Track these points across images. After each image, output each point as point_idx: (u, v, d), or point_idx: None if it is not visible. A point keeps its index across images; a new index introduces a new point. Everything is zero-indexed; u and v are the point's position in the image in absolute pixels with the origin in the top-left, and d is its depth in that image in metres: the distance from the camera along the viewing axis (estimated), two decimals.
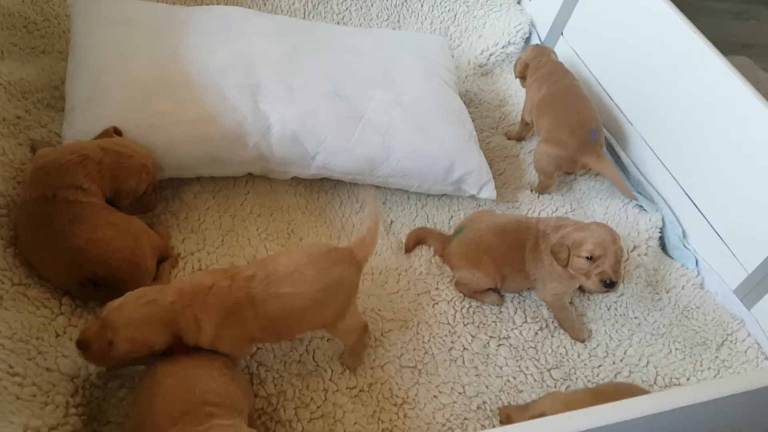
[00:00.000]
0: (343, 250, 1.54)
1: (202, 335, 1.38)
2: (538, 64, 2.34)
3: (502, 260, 1.85)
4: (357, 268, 1.54)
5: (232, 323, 1.39)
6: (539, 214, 2.19)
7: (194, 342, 1.38)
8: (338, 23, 2.67)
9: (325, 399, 1.59)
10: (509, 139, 2.44)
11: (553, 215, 2.18)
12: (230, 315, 1.39)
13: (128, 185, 1.67)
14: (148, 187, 1.72)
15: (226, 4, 2.47)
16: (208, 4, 2.48)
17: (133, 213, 1.74)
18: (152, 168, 1.74)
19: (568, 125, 2.14)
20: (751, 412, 1.23)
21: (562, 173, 2.29)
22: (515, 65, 2.47)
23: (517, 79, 2.48)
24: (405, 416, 1.61)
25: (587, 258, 1.69)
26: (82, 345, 1.33)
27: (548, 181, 2.25)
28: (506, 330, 1.86)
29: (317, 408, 1.57)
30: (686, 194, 2.14)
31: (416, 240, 2.01)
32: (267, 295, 1.41)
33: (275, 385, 1.58)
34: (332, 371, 1.64)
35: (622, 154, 2.39)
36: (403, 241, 2.01)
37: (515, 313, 1.91)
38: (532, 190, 2.27)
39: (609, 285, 1.69)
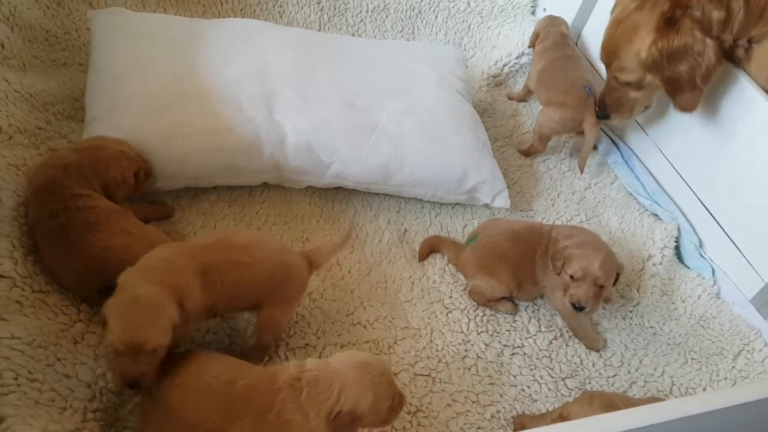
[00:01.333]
0: (295, 250, 1.63)
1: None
2: (546, 35, 2.48)
3: (515, 265, 1.85)
4: (306, 265, 1.59)
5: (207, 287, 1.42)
6: (553, 222, 2.19)
7: (193, 306, 1.38)
8: (353, 35, 2.69)
9: None
10: (510, 99, 2.63)
11: (568, 224, 2.17)
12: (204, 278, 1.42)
13: (112, 176, 1.65)
14: (137, 173, 1.70)
15: (243, 17, 2.51)
16: (224, 17, 2.52)
17: (150, 219, 1.76)
18: (132, 153, 1.71)
19: (562, 88, 2.28)
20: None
21: (567, 135, 2.40)
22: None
23: None
24: (418, 424, 1.61)
25: (570, 276, 1.73)
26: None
27: (539, 147, 2.38)
28: (520, 339, 1.86)
29: None
30: (702, 203, 2.13)
31: (430, 248, 2.01)
32: (228, 262, 1.46)
33: None
34: None
35: (637, 162, 2.38)
36: (417, 249, 2.02)
37: (529, 321, 1.90)
38: (518, 150, 2.42)
39: (576, 308, 1.73)
